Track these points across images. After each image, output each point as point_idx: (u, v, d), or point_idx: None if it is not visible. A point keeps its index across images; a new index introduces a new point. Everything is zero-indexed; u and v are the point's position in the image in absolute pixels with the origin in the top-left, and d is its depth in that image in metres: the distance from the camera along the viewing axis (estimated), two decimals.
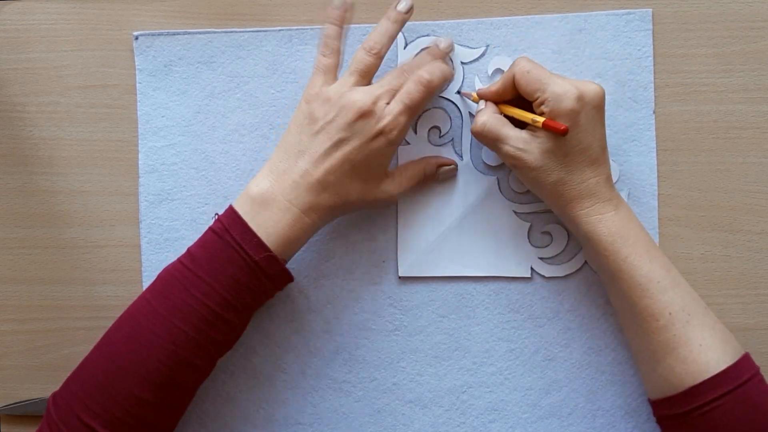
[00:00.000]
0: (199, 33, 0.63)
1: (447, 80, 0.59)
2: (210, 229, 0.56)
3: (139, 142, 0.64)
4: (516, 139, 0.55)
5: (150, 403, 0.53)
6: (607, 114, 0.61)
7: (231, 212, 0.55)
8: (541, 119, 0.54)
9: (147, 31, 0.64)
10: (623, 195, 0.61)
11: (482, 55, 0.62)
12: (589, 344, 0.62)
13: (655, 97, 0.61)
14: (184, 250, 0.63)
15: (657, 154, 0.61)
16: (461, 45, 0.62)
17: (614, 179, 0.60)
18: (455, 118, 0.62)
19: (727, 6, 0.61)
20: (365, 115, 0.55)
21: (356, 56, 0.57)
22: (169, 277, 0.55)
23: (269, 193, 0.55)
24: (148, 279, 0.64)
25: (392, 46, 0.61)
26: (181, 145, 0.64)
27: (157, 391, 0.53)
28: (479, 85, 0.62)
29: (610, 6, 0.62)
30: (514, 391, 0.62)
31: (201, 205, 0.64)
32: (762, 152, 0.61)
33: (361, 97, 0.55)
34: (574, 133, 0.54)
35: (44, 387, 0.65)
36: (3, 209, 0.65)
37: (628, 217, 0.56)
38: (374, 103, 0.55)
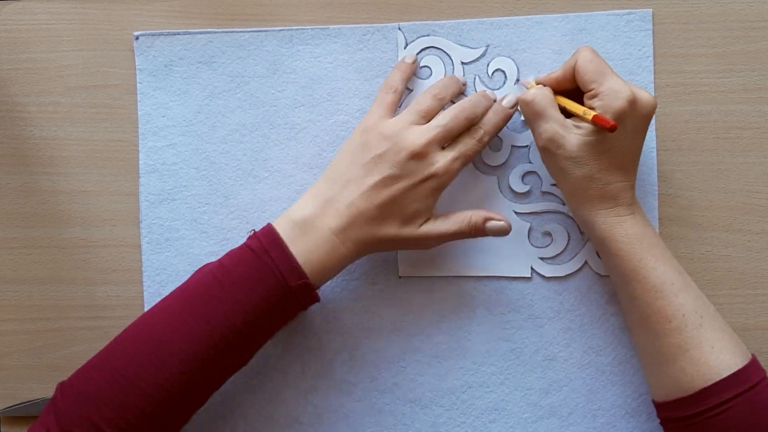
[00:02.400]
0: (200, 33, 0.63)
1: (504, 125, 0.59)
2: (246, 246, 0.55)
3: (140, 142, 0.64)
4: (558, 122, 0.55)
5: (159, 415, 0.53)
6: None
7: (271, 233, 0.55)
8: (592, 112, 0.53)
9: (147, 31, 0.64)
10: None
11: (482, 55, 0.62)
12: (589, 344, 0.62)
13: (655, 97, 0.61)
14: (184, 250, 0.63)
15: (657, 154, 0.61)
16: (461, 45, 0.62)
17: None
18: None
19: (727, 6, 0.61)
20: (417, 156, 0.55)
21: (420, 98, 0.58)
22: (201, 289, 0.54)
23: (311, 219, 0.55)
24: (148, 279, 0.64)
25: (392, 46, 0.62)
26: (181, 145, 0.64)
27: (171, 399, 0.53)
28: (480, 85, 0.62)
29: (611, 6, 0.62)
30: (514, 390, 0.62)
31: (201, 205, 0.64)
32: (762, 152, 0.61)
33: (416, 138, 0.56)
34: (617, 134, 0.53)
35: (44, 387, 0.65)
36: (3, 209, 0.65)
37: (644, 222, 0.56)
38: (428, 145, 0.56)
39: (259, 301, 0.54)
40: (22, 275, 0.65)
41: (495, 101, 0.59)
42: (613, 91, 0.53)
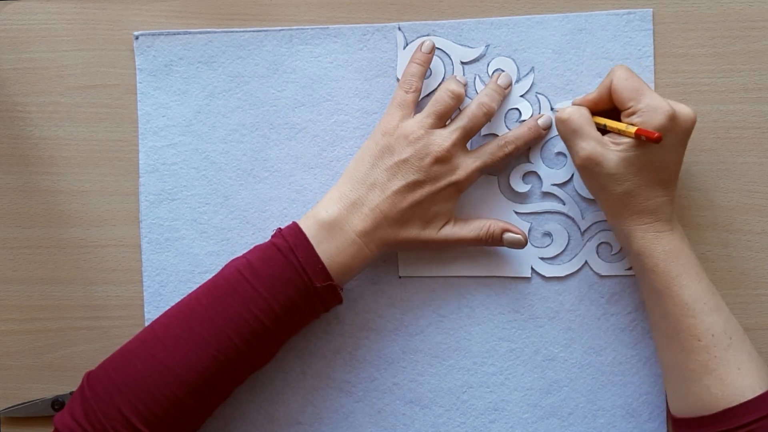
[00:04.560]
0: (200, 33, 0.63)
1: (536, 142, 0.61)
2: (273, 244, 0.56)
3: (140, 141, 0.64)
4: (596, 140, 0.55)
5: (189, 406, 0.54)
6: None
7: (297, 232, 0.56)
8: (634, 127, 0.53)
9: (147, 31, 0.64)
10: None
11: (482, 55, 0.62)
12: (589, 344, 0.62)
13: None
14: (184, 250, 0.63)
15: None
16: (461, 45, 0.62)
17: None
18: None
19: (727, 6, 0.61)
20: (441, 161, 0.57)
21: (438, 97, 0.59)
22: (228, 286, 0.55)
23: (337, 221, 0.56)
24: (148, 279, 0.64)
25: (392, 46, 0.62)
26: (181, 145, 0.64)
27: (198, 395, 0.54)
28: (480, 85, 0.62)
29: (611, 6, 0.62)
30: (514, 391, 0.62)
31: (201, 205, 0.64)
32: (762, 152, 0.61)
33: (440, 142, 0.57)
34: (657, 149, 0.53)
35: (45, 387, 0.65)
36: (3, 209, 0.65)
37: (682, 238, 0.56)
38: (452, 149, 0.57)
39: (287, 300, 0.55)
40: (22, 275, 0.65)
41: (508, 89, 0.61)
42: (652, 108, 0.53)
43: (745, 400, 0.52)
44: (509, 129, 0.61)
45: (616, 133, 0.55)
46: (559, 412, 0.62)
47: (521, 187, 0.62)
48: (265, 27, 0.63)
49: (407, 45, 0.62)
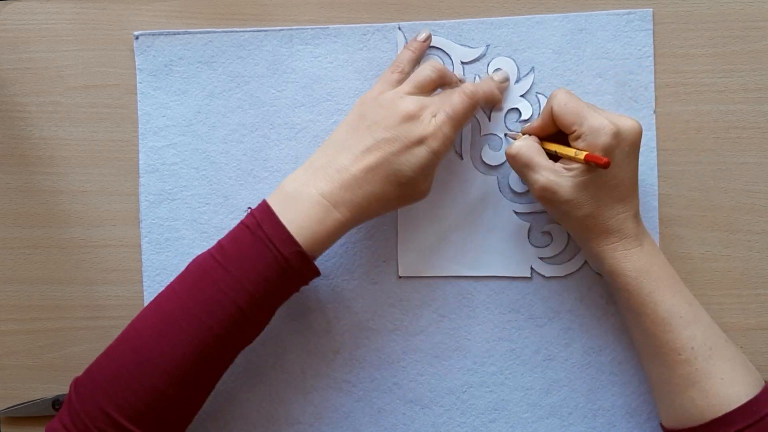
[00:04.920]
0: (200, 33, 0.63)
1: (492, 101, 0.60)
2: (242, 223, 0.55)
3: (140, 141, 0.64)
4: (548, 170, 0.55)
5: (172, 397, 0.53)
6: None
7: (264, 207, 0.55)
8: (583, 152, 0.53)
9: (147, 31, 0.64)
10: None
11: (482, 54, 0.62)
12: (589, 344, 0.62)
13: (655, 97, 0.61)
14: (184, 250, 0.63)
15: (657, 154, 0.61)
16: (461, 45, 0.62)
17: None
18: None
19: (727, 6, 0.61)
20: (410, 117, 0.55)
21: (419, 69, 0.58)
22: (199, 271, 0.54)
23: (303, 187, 0.54)
24: (148, 279, 0.64)
25: (392, 46, 0.62)
26: (181, 145, 0.64)
27: (179, 385, 0.53)
28: None
29: (611, 6, 0.62)
30: (514, 390, 0.62)
31: (201, 205, 0.64)
32: (762, 152, 0.61)
33: (410, 102, 0.56)
34: (609, 169, 0.53)
35: (45, 387, 0.65)
36: (3, 209, 0.65)
37: (653, 251, 0.56)
38: (421, 109, 0.55)
39: (259, 277, 0.53)
40: (22, 275, 0.65)
41: (497, 84, 0.60)
42: (594, 130, 0.53)
43: (731, 409, 0.52)
44: (509, 129, 0.62)
45: (567, 158, 0.55)
46: (559, 412, 0.62)
47: (521, 187, 0.62)
48: (265, 27, 0.63)
49: None
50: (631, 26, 0.61)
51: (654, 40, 0.61)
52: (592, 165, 0.53)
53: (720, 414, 0.52)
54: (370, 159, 0.54)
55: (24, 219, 0.65)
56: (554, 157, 0.56)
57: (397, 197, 0.56)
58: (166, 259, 0.64)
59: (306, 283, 0.56)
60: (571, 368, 0.62)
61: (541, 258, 0.62)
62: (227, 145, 0.64)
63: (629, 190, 0.55)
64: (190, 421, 0.56)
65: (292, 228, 0.53)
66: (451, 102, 0.56)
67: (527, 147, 0.56)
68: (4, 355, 0.65)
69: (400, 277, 0.63)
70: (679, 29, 0.61)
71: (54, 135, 0.64)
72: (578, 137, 0.54)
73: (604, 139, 0.53)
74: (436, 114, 0.56)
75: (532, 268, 0.62)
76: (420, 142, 0.54)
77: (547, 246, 0.62)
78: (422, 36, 0.61)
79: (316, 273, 0.55)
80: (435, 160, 0.55)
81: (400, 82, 0.59)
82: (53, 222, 0.65)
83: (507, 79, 0.61)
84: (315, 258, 0.55)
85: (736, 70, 0.61)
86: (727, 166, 0.61)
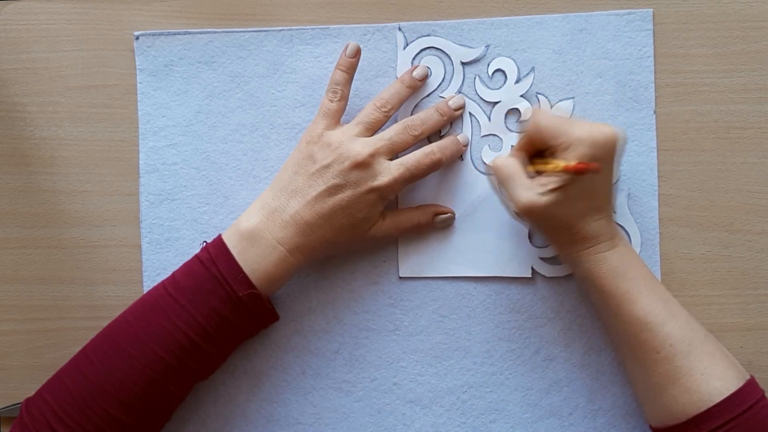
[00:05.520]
0: (200, 33, 0.63)
1: (456, 158, 0.61)
2: (197, 257, 0.57)
3: (140, 142, 0.64)
4: (524, 186, 0.55)
5: (124, 423, 0.54)
6: (607, 114, 0.61)
7: (220, 244, 0.56)
8: (568, 162, 0.53)
9: (147, 31, 0.64)
10: (623, 195, 0.61)
11: (482, 55, 0.62)
12: (589, 344, 0.62)
13: (655, 97, 0.61)
14: (184, 250, 0.63)
15: (657, 154, 0.61)
16: (461, 45, 0.62)
17: (614, 179, 0.59)
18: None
19: (728, 6, 0.61)
20: (361, 165, 0.56)
21: (365, 110, 0.59)
22: (151, 300, 0.56)
23: (258, 230, 0.56)
24: (148, 279, 0.64)
25: (392, 46, 0.62)
26: (181, 145, 0.64)
27: (130, 412, 0.54)
28: (480, 85, 0.62)
29: (611, 6, 0.62)
30: (514, 391, 0.62)
31: (201, 205, 0.64)
32: (762, 152, 0.61)
33: (361, 148, 0.56)
34: (585, 179, 0.53)
35: None
36: (3, 209, 0.65)
37: (627, 252, 0.56)
38: (372, 156, 0.56)
39: (211, 311, 0.55)
40: (22, 275, 0.65)
41: (450, 112, 0.60)
42: (570, 144, 0.53)
43: (713, 404, 0.52)
44: (510, 130, 0.62)
45: (556, 173, 0.54)
46: (560, 412, 0.62)
47: None
48: (265, 27, 0.63)
49: (407, 45, 0.62)
50: (632, 26, 0.61)
51: (654, 40, 0.61)
52: (576, 175, 0.53)
53: (702, 410, 0.52)
54: (323, 207, 0.56)
55: (24, 219, 0.65)
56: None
57: (350, 238, 0.57)
58: (166, 259, 0.64)
59: (264, 326, 0.58)
60: (571, 368, 0.62)
61: (541, 258, 0.62)
62: (227, 145, 0.64)
63: (605, 199, 0.56)
64: None
65: (248, 270, 0.55)
66: (416, 162, 0.57)
67: (508, 161, 0.56)
68: (4, 355, 0.65)
69: (400, 277, 0.63)
70: (679, 29, 0.61)
71: (54, 135, 0.64)
72: (559, 152, 0.54)
73: (581, 150, 0.53)
74: (390, 158, 0.57)
75: (532, 268, 0.62)
76: (371, 190, 0.56)
77: (547, 246, 0.62)
78: (351, 50, 0.59)
79: (274, 316, 0.58)
80: (384, 203, 0.58)
81: (341, 109, 0.59)
82: (53, 222, 0.65)
83: (462, 107, 0.61)
84: (268, 297, 0.57)
85: (736, 70, 0.61)
86: (727, 166, 0.61)
